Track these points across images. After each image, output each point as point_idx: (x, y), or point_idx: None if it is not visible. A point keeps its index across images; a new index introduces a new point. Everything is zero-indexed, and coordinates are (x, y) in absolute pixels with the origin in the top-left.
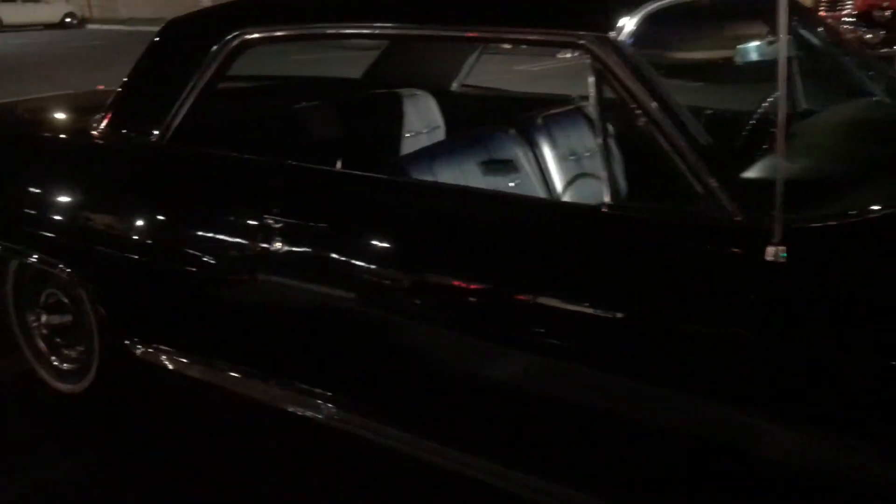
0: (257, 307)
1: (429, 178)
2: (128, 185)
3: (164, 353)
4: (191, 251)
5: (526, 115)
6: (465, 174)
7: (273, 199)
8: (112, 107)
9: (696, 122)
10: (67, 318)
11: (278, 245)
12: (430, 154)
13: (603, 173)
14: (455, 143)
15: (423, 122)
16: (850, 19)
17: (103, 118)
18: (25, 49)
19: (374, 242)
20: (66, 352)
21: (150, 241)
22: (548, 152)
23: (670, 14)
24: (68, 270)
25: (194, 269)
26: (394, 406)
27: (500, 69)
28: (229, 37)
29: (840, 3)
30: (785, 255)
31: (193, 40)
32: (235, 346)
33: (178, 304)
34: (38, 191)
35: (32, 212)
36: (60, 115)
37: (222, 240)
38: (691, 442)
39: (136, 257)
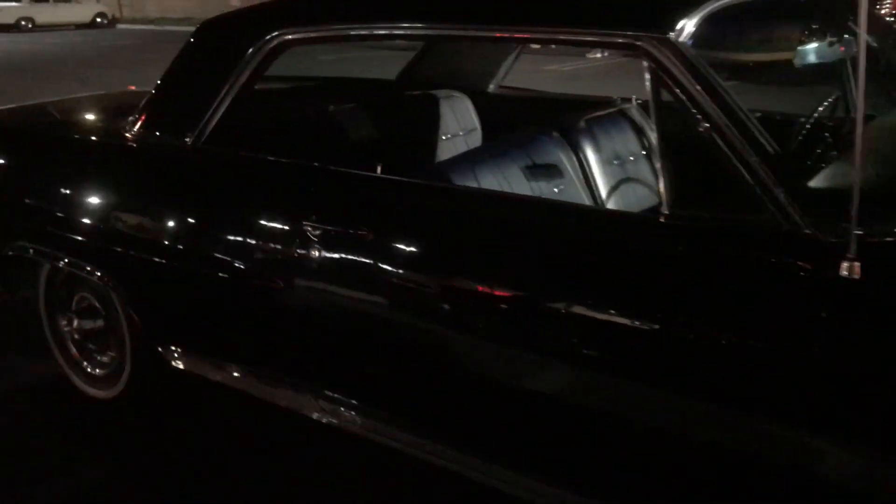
0: (293, 316)
1: (472, 183)
2: (161, 188)
3: (198, 360)
4: (225, 257)
5: (568, 118)
6: (509, 179)
7: (312, 204)
8: (145, 108)
9: (763, 130)
10: (99, 322)
11: (316, 252)
12: (473, 158)
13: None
14: (497, 147)
15: (459, 124)
16: (890, 19)
17: (136, 120)
18: (58, 49)
19: (417, 251)
20: (97, 357)
21: (183, 246)
22: (591, 156)
23: (729, 14)
24: (100, 274)
25: (228, 276)
26: (436, 419)
27: (529, 69)
28: (267, 37)
29: (879, 2)
30: (859, 270)
31: (230, 41)
32: (270, 355)
33: (212, 310)
34: (70, 193)
35: (65, 214)
36: (92, 117)
37: (258, 246)
38: (752, 465)
39: (169, 262)
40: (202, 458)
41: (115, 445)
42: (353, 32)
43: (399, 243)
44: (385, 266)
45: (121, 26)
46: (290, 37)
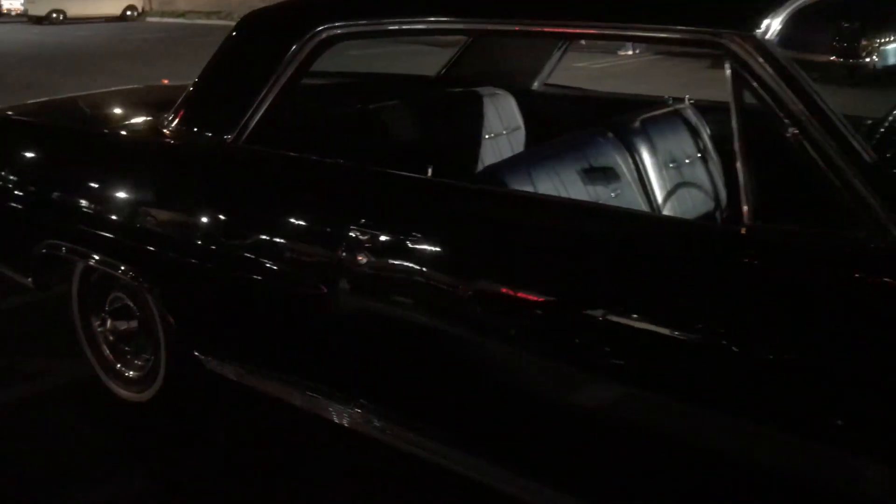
0: (337, 322)
1: (528, 187)
2: (200, 187)
3: (235, 365)
4: (266, 260)
5: (622, 118)
6: (565, 183)
7: (360, 209)
8: (184, 104)
9: (859, 136)
10: (133, 323)
11: (363, 258)
12: (528, 161)
13: (713, 184)
14: (552, 149)
15: (503, 123)
16: None
17: (174, 116)
18: (89, 41)
19: (474, 260)
20: (131, 359)
21: (221, 248)
22: (647, 159)
23: (814, 11)
24: (135, 275)
25: (269, 280)
26: (486, 435)
27: (558, 65)
28: (314, 31)
29: None
30: None
31: (274, 35)
32: (312, 364)
33: (251, 314)
34: (104, 191)
35: (99, 212)
36: (126, 112)
37: (302, 249)
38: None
39: (207, 264)
40: (237, 465)
41: (148, 449)
42: (406, 27)
43: (454, 251)
44: (438, 274)
45: (150, 19)
46: (338, 31)
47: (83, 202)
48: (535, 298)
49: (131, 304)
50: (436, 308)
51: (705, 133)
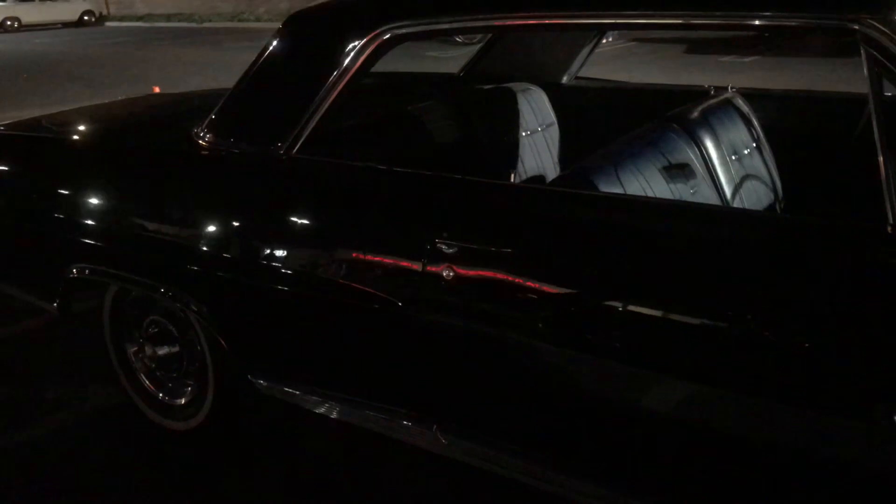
0: (419, 343)
1: (617, 189)
2: (253, 201)
3: (296, 389)
4: (333, 278)
5: (682, 110)
6: (650, 182)
7: (443, 220)
8: (223, 113)
9: None
10: (174, 348)
11: (449, 273)
12: (612, 161)
13: (770, 175)
14: (631, 146)
15: (537, 119)
16: None
17: (211, 126)
18: (50, 48)
19: (570, 272)
20: (172, 385)
21: (283, 266)
22: (713, 151)
23: None
24: (179, 297)
25: (337, 298)
26: (585, 461)
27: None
28: (377, 31)
29: None
30: None
31: (330, 36)
32: (385, 386)
33: (315, 336)
34: (140, 208)
35: (135, 231)
36: (135, 123)
37: (375, 266)
38: None
39: (266, 284)
40: (297, 494)
41: (196, 481)
42: (479, 24)
43: (548, 262)
44: (536, 288)
45: (109, 24)
46: (403, 30)
47: (116, 221)
48: (654, 314)
49: (171, 328)
50: (533, 325)
51: (756, 121)
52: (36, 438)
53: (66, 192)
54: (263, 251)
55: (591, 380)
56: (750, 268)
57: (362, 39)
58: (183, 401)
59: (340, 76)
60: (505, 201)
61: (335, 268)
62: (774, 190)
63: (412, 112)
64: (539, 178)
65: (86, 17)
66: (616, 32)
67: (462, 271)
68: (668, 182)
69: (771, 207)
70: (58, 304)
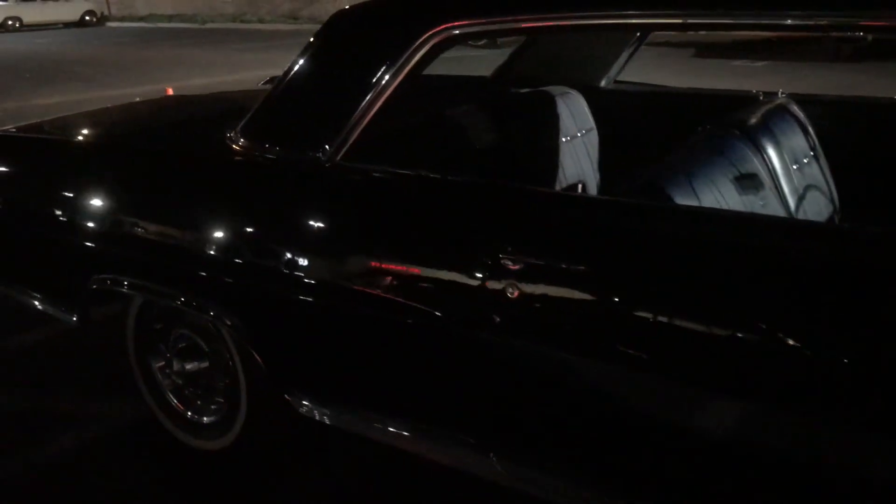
0: (471, 366)
1: (692, 201)
2: (295, 211)
3: (337, 411)
4: (384, 294)
5: (741, 114)
6: (723, 193)
7: (508, 233)
8: (259, 117)
9: None
10: (203, 364)
11: (512, 291)
12: (684, 170)
13: (828, 184)
14: (700, 155)
15: (576, 124)
16: None
17: (245, 130)
18: (52, 48)
19: (655, 293)
20: (200, 403)
21: (329, 280)
22: (776, 160)
23: None
24: (211, 309)
25: (388, 316)
26: (663, 498)
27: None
28: (433, 31)
29: None
30: None
31: (381, 36)
32: (435, 410)
33: (362, 355)
34: (169, 216)
35: (165, 241)
36: (162, 125)
37: (431, 282)
38: None
39: (309, 298)
40: None
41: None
42: (544, 24)
43: (625, 281)
44: (610, 309)
45: (110, 24)
46: (461, 30)
47: (144, 230)
48: (752, 338)
49: (201, 343)
50: (607, 349)
51: (811, 128)
52: (56, 456)
53: (88, 199)
54: (305, 263)
55: (677, 411)
56: (861, 290)
57: (416, 39)
58: (212, 419)
59: (391, 79)
60: (576, 214)
61: (384, 282)
62: (832, 200)
63: (450, 117)
64: (580, 186)
65: (87, 18)
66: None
67: (527, 289)
68: (740, 193)
69: (830, 219)
70: (78, 315)
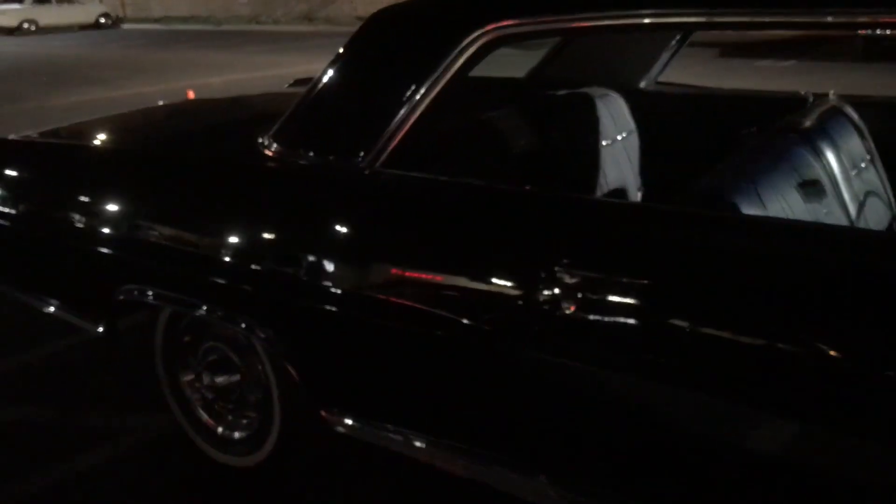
0: (522, 384)
1: (759, 210)
2: (329, 218)
3: (378, 429)
4: (430, 308)
5: (796, 118)
6: (789, 202)
7: (564, 244)
8: (293, 122)
9: None
10: (234, 377)
11: (568, 305)
12: (749, 177)
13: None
14: (762, 161)
15: (617, 127)
16: None
17: (278, 135)
18: (68, 51)
19: (722, 310)
20: (232, 419)
21: (371, 293)
22: (835, 165)
23: None
24: (244, 321)
25: (434, 330)
26: None
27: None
28: (481, 31)
29: None
30: None
31: (425, 36)
32: (482, 430)
33: (405, 372)
34: (201, 225)
35: (193, 250)
36: (190, 130)
37: (479, 295)
38: None
39: (349, 312)
40: None
41: None
42: (602, 23)
43: (692, 296)
44: (675, 326)
45: (125, 26)
46: (507, 31)
47: (174, 239)
48: (830, 358)
49: (232, 356)
50: (672, 369)
51: (866, 131)
52: (82, 472)
53: (115, 207)
54: (342, 274)
55: (750, 436)
56: None
57: (463, 40)
58: (243, 435)
59: (434, 83)
60: (639, 225)
61: (428, 295)
62: (890, 206)
63: (488, 121)
64: (621, 192)
65: (102, 20)
66: None
67: (585, 304)
68: (804, 201)
69: (889, 227)
70: (104, 326)
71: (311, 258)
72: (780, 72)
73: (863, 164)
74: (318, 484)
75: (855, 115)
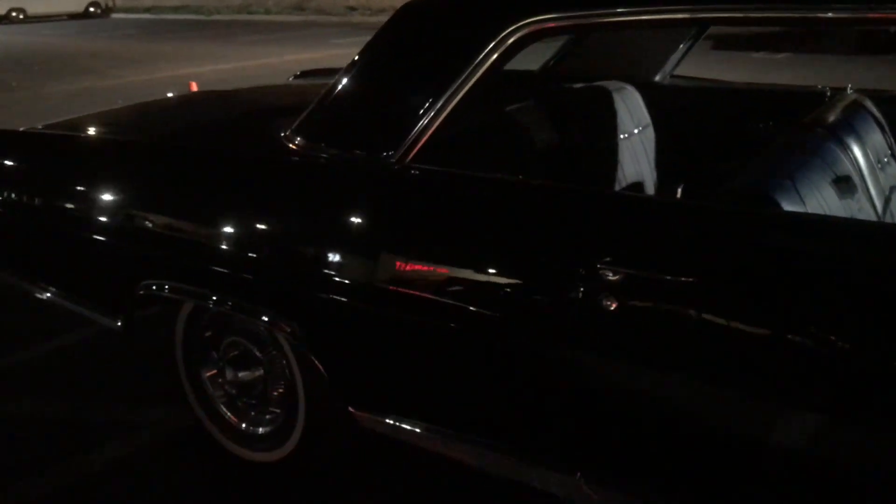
0: (562, 382)
1: (798, 207)
2: (365, 216)
3: (409, 426)
4: (466, 305)
5: (820, 113)
6: (825, 199)
7: (606, 242)
8: (318, 116)
9: None
10: (257, 372)
11: (610, 303)
12: (788, 174)
13: None
14: (795, 157)
15: (633, 120)
16: None
17: (302, 129)
18: (58, 40)
19: (769, 308)
20: (255, 415)
21: (400, 287)
22: (861, 160)
23: None
24: (269, 316)
25: (467, 327)
26: None
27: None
28: (516, 25)
29: None
30: None
31: (459, 30)
32: (519, 428)
33: (440, 369)
34: (222, 218)
35: (217, 244)
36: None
37: (515, 292)
38: None
39: (380, 308)
40: None
41: None
42: (639, 17)
43: (737, 294)
44: (719, 325)
45: (115, 16)
46: (545, 25)
47: (197, 233)
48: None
49: (255, 351)
50: (716, 367)
51: (886, 125)
52: (100, 467)
53: (135, 201)
54: (371, 269)
55: (797, 434)
56: None
57: (498, 34)
58: (266, 430)
59: (467, 77)
60: (682, 222)
61: (461, 292)
62: None
63: (511, 114)
64: (638, 185)
65: (92, 9)
66: None
67: (627, 302)
68: (839, 197)
69: None
70: (122, 320)
71: (340, 253)
72: (775, 64)
73: (885, 159)
74: (337, 480)
75: (874, 109)
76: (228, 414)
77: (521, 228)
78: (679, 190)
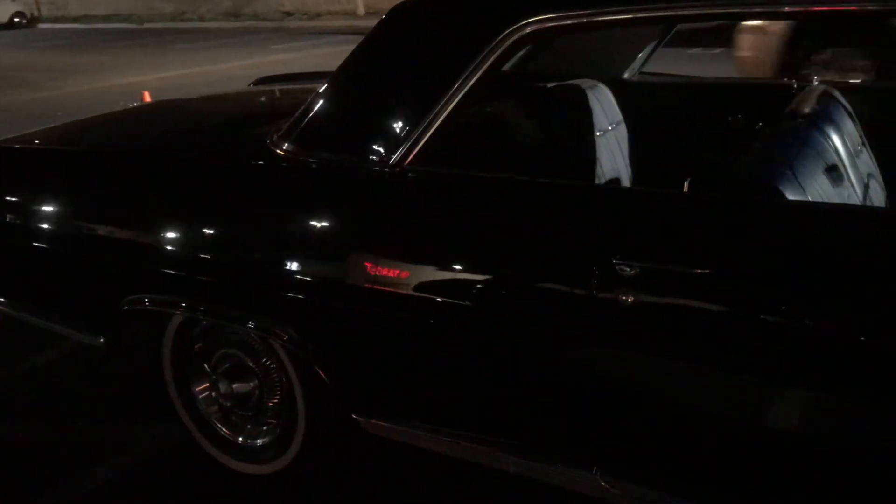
0: (576, 378)
1: (800, 196)
2: (354, 216)
3: (417, 429)
4: (475, 306)
5: (799, 104)
6: (822, 187)
7: (620, 237)
8: (307, 121)
9: None
10: (251, 383)
11: (626, 298)
12: (787, 163)
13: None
14: (794, 147)
15: (607, 117)
16: None
17: (290, 134)
18: None
19: (783, 297)
20: (250, 427)
21: (404, 291)
22: (841, 148)
23: None
24: (266, 325)
25: (476, 328)
26: None
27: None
28: (516, 25)
29: None
30: None
31: (456, 30)
32: (532, 425)
33: (448, 371)
34: (212, 226)
35: (210, 254)
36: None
37: (527, 291)
38: None
39: (383, 311)
40: None
41: None
42: (639, 14)
43: (753, 285)
44: (733, 315)
45: (42, 26)
46: (546, 26)
47: (186, 243)
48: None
49: (248, 362)
50: (733, 359)
51: (854, 115)
52: (92, 488)
53: (118, 212)
54: (377, 274)
55: (816, 425)
56: None
57: (497, 34)
58: (263, 442)
59: (466, 79)
60: (693, 214)
61: (468, 292)
62: (882, 187)
63: (494, 113)
64: (615, 182)
65: (16, 20)
66: None
67: (643, 297)
68: (833, 186)
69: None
70: (105, 337)
71: (339, 258)
72: (713, 58)
73: (859, 148)
74: (335, 489)
75: (844, 100)
76: (224, 429)
77: (530, 227)
78: (686, 184)
